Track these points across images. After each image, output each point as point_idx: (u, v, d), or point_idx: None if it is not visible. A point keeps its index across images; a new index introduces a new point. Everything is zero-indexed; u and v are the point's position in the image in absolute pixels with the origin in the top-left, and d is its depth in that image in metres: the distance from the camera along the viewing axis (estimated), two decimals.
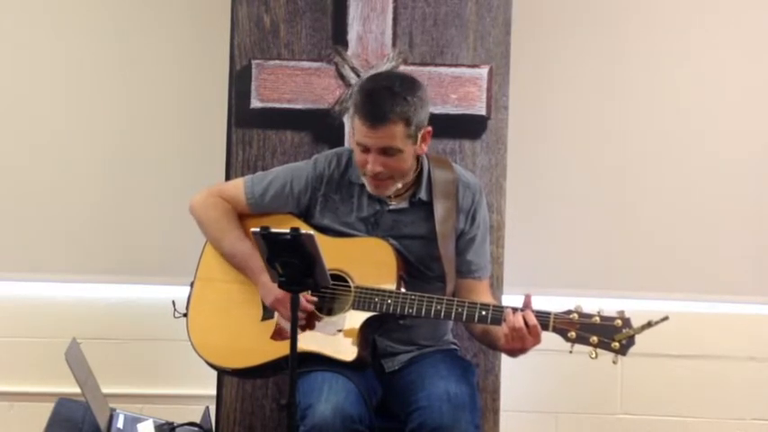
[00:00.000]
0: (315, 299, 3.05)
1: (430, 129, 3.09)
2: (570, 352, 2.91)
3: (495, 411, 3.62)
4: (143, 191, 4.11)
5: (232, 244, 3.18)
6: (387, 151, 3.01)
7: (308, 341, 3.05)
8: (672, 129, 4.11)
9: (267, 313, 3.15)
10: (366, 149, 3.02)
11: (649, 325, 2.84)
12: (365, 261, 3.09)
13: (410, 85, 3.04)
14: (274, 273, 2.77)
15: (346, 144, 3.60)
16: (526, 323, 2.91)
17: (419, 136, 3.05)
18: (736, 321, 4.14)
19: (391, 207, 3.16)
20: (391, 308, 3.02)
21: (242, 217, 3.24)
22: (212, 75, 3.95)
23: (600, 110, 4.12)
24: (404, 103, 2.98)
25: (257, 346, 3.11)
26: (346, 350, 3.04)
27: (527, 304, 2.95)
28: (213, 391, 3.65)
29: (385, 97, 2.98)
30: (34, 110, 4.11)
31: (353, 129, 3.06)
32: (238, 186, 3.25)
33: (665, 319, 2.81)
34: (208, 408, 3.66)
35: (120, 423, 3.34)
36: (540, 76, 4.06)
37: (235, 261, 3.18)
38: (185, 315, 3.21)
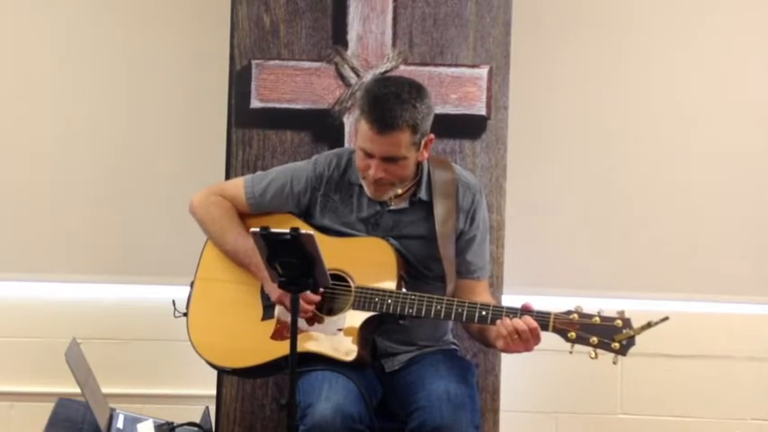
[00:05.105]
0: (318, 298, 3.05)
1: (432, 136, 3.09)
2: (570, 352, 2.91)
3: (495, 411, 3.62)
4: (143, 191, 4.11)
5: (234, 241, 3.18)
6: (391, 159, 3.01)
7: (308, 341, 3.05)
8: (672, 128, 4.11)
9: (267, 313, 3.15)
10: (369, 155, 3.02)
11: (649, 325, 2.84)
12: (365, 261, 3.09)
13: (418, 92, 3.02)
14: (274, 273, 2.77)
15: (346, 144, 3.60)
16: (524, 328, 2.91)
17: (422, 143, 3.05)
18: (736, 321, 4.14)
19: (391, 207, 3.16)
20: (391, 308, 3.02)
21: (242, 216, 3.24)
22: (212, 75, 3.95)
23: (600, 110, 4.12)
24: (412, 110, 2.98)
25: (257, 345, 3.11)
26: (346, 350, 3.04)
27: (526, 310, 2.95)
28: (213, 391, 3.65)
29: (394, 104, 2.97)
30: (34, 110, 4.11)
31: (357, 133, 3.05)
32: (238, 186, 3.25)
33: (665, 319, 2.81)
34: (208, 408, 3.67)
35: (120, 423, 3.35)
36: (540, 76, 4.06)
37: (237, 258, 3.18)
38: (185, 314, 3.21)
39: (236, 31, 3.66)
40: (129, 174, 4.12)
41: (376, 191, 3.11)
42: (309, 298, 3.01)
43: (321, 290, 3.01)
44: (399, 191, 3.13)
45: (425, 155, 3.11)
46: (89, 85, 4.11)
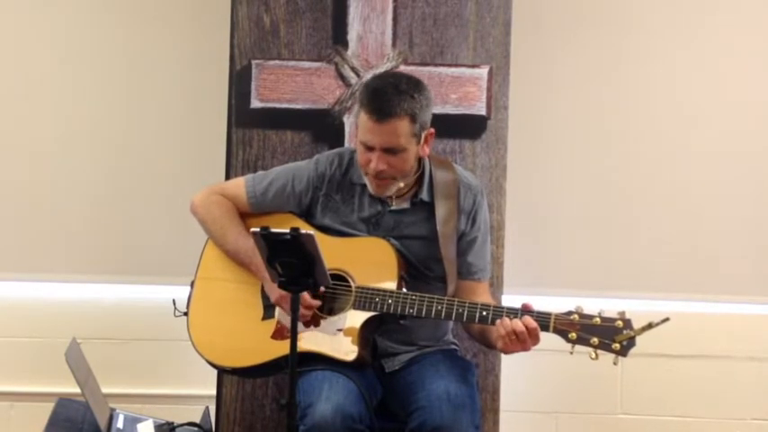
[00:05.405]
0: (318, 302, 3.05)
1: (433, 131, 3.10)
2: (571, 353, 2.91)
3: (495, 411, 3.62)
4: (143, 191, 4.11)
5: (236, 240, 3.18)
6: (391, 150, 3.02)
7: (309, 341, 3.05)
8: (672, 128, 4.11)
9: (267, 312, 3.15)
10: (370, 148, 3.03)
11: (650, 326, 2.84)
12: (366, 261, 3.09)
13: (416, 84, 3.06)
14: (274, 273, 2.77)
15: (346, 144, 3.60)
16: (521, 329, 2.91)
17: (422, 136, 3.06)
18: (736, 321, 4.14)
19: (392, 208, 3.16)
20: (392, 308, 3.02)
21: (243, 216, 3.24)
22: (212, 75, 3.95)
23: (600, 110, 4.12)
24: (410, 100, 3.00)
25: (257, 345, 3.11)
26: (346, 350, 3.04)
27: (527, 310, 2.95)
28: (213, 391, 3.65)
29: (392, 94, 2.99)
30: (34, 110, 4.11)
31: (358, 126, 3.06)
32: (239, 185, 3.25)
33: (666, 320, 2.81)
34: (208, 408, 3.67)
35: (120, 423, 3.35)
36: (540, 76, 4.06)
37: (238, 258, 3.18)
38: (185, 314, 3.21)
39: (236, 31, 3.66)
40: (129, 174, 4.11)
41: (378, 186, 3.10)
42: (308, 302, 3.01)
43: (320, 293, 3.03)
44: (401, 184, 3.13)
45: (426, 150, 3.11)
46: (89, 85, 4.11)
